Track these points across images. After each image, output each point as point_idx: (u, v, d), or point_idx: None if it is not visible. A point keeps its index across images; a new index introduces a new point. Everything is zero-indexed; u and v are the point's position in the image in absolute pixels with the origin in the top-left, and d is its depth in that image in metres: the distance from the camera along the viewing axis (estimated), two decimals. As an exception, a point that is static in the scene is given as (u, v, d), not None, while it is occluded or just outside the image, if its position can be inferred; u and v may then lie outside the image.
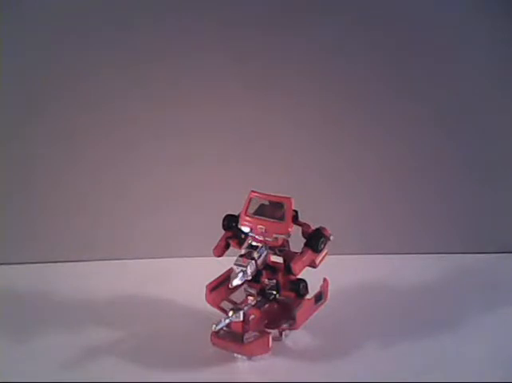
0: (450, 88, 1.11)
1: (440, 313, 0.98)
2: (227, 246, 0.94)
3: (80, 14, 1.08)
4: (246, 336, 0.88)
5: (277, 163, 1.13)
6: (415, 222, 1.14)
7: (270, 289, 0.91)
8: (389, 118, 1.12)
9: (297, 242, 0.91)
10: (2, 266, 1.12)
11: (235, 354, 0.89)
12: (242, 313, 0.87)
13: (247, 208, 0.92)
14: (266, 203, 0.92)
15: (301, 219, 0.91)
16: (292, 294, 0.91)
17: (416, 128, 1.12)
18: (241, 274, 0.88)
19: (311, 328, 0.93)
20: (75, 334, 0.94)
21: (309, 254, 0.90)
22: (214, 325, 0.87)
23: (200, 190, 1.13)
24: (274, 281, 0.91)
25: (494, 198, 1.14)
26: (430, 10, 1.09)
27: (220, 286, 0.93)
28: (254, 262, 0.89)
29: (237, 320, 0.87)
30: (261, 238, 0.91)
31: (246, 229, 0.91)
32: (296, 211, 0.90)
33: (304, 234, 0.91)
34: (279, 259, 0.92)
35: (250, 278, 0.89)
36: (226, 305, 0.93)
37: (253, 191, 0.92)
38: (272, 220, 0.90)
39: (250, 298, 0.90)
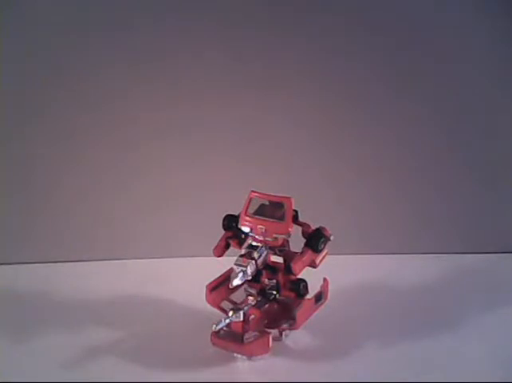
0: (450, 88, 1.11)
1: (440, 313, 0.98)
2: (227, 246, 0.94)
3: (80, 14, 1.08)
4: (246, 336, 0.88)
5: (277, 163, 1.13)
6: (415, 222, 1.14)
7: (270, 289, 0.91)
8: (389, 118, 1.12)
9: (297, 242, 0.91)
10: (2, 266, 1.12)
11: (235, 354, 0.89)
12: (242, 313, 0.87)
13: (247, 208, 0.92)
14: (266, 203, 0.92)
15: (301, 219, 0.91)
16: (292, 294, 0.91)
17: (416, 128, 1.13)
18: (241, 274, 0.88)
19: (311, 328, 0.93)
20: (75, 334, 0.94)
21: (309, 254, 0.90)
22: (214, 325, 0.87)
23: (200, 190, 1.13)
24: (274, 281, 0.91)
25: (494, 198, 1.14)
26: (430, 10, 1.09)
27: (220, 286, 0.93)
28: (254, 262, 0.89)
29: (237, 320, 0.87)
30: (261, 238, 0.90)
31: (246, 229, 0.91)
32: (296, 211, 0.90)
33: (304, 234, 0.91)
34: (279, 259, 0.92)
35: (250, 278, 0.89)
36: (226, 305, 0.93)
37: (253, 191, 0.92)
38: (272, 220, 0.90)
39: (250, 298, 0.90)
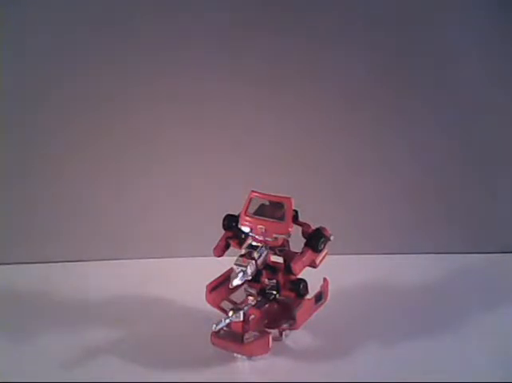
0: (450, 88, 1.11)
1: (440, 313, 0.98)
2: (227, 246, 0.94)
3: (80, 14, 1.08)
4: (246, 336, 0.88)
5: (277, 163, 1.13)
6: (415, 222, 1.14)
7: (270, 289, 0.91)
8: (389, 118, 1.12)
9: (297, 242, 0.91)
10: (2, 266, 1.12)
11: (235, 354, 0.89)
12: (242, 313, 0.87)
13: (247, 208, 0.92)
14: (266, 203, 0.92)
15: (301, 219, 0.91)
16: (292, 294, 0.91)
17: (416, 129, 1.13)
18: (241, 274, 0.88)
19: (311, 328, 0.93)
20: (75, 334, 0.94)
21: (309, 254, 0.90)
22: (214, 325, 0.87)
23: (200, 190, 1.13)
24: (274, 281, 0.91)
25: (494, 198, 1.14)
26: (430, 10, 1.09)
27: (220, 286, 0.93)
28: (254, 262, 0.89)
29: (237, 320, 0.87)
30: (261, 238, 0.91)
31: (246, 229, 0.91)
32: (296, 211, 0.90)
33: (304, 234, 0.91)
34: (279, 259, 0.92)
35: (250, 278, 0.89)
36: (226, 305, 0.93)
37: (253, 191, 0.92)
38: (272, 220, 0.90)
39: (250, 298, 0.90)
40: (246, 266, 0.88)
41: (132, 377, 0.86)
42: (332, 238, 0.91)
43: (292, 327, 0.90)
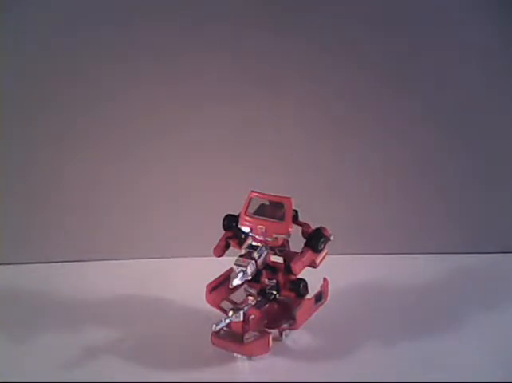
0: (451, 88, 1.11)
1: (440, 313, 0.98)
2: (227, 246, 0.94)
3: (80, 14, 1.08)
4: (246, 336, 0.88)
5: (277, 163, 1.13)
6: (416, 222, 1.14)
7: (270, 289, 0.91)
8: (390, 118, 1.12)
9: (297, 242, 0.91)
10: (2, 266, 1.12)
11: (235, 354, 0.89)
12: (242, 313, 0.87)
13: (247, 208, 0.92)
14: (266, 203, 0.92)
15: (301, 219, 0.91)
16: (292, 294, 0.91)
17: (417, 128, 1.12)
18: (241, 274, 0.88)
19: (311, 328, 0.93)
20: (75, 334, 0.94)
21: (309, 254, 0.90)
22: (214, 325, 0.87)
23: (200, 190, 1.13)
24: (274, 281, 0.91)
25: (494, 198, 1.14)
26: (430, 10, 1.09)
27: (220, 286, 0.93)
28: (254, 262, 0.89)
29: (237, 320, 0.87)
30: (261, 238, 0.91)
31: (246, 229, 0.91)
32: (296, 211, 0.90)
33: (304, 234, 0.91)
34: (279, 259, 0.92)
35: (250, 278, 0.89)
36: (226, 305, 0.93)
37: (253, 191, 0.93)
38: (272, 220, 0.90)
39: (250, 298, 0.90)
40: (246, 266, 0.88)
41: (132, 377, 0.86)
42: (332, 238, 0.91)
43: (292, 327, 0.90)
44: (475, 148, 1.13)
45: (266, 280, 0.91)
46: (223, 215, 0.95)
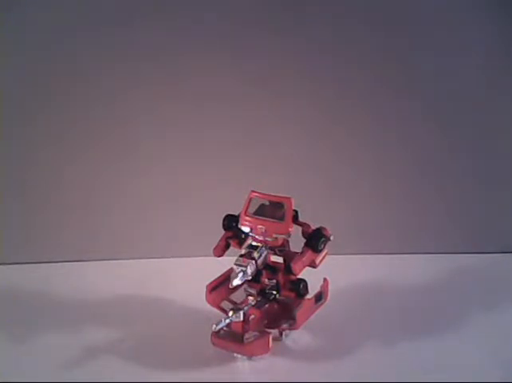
0: (451, 88, 1.11)
1: (440, 313, 0.98)
2: (227, 246, 0.94)
3: (80, 14, 1.08)
4: (246, 336, 0.88)
5: (277, 163, 1.13)
6: (415, 222, 1.14)
7: (270, 289, 0.91)
8: (389, 118, 1.12)
9: (297, 242, 0.91)
10: (2, 266, 1.12)
11: (235, 354, 0.89)
12: (242, 313, 0.87)
13: (247, 208, 0.92)
14: (266, 203, 0.92)
15: (301, 219, 0.91)
16: (292, 294, 0.91)
17: (417, 128, 1.13)
18: (241, 274, 0.88)
19: (311, 328, 0.93)
20: (75, 334, 0.94)
21: (309, 254, 0.90)
22: (214, 325, 0.87)
23: (200, 190, 1.13)
24: (274, 281, 0.91)
25: (494, 198, 1.14)
26: (430, 10, 1.09)
27: (220, 286, 0.93)
28: (254, 262, 0.89)
29: (237, 320, 0.87)
30: (261, 238, 0.91)
31: (246, 229, 0.91)
32: (296, 211, 0.90)
33: (304, 234, 0.91)
34: (279, 259, 0.92)
35: (250, 278, 0.89)
36: (226, 305, 0.93)
37: (253, 191, 0.93)
38: (272, 220, 0.90)
39: (250, 298, 0.90)
40: (246, 266, 0.88)
41: (132, 377, 0.86)
42: (332, 238, 0.91)
43: (292, 327, 0.90)
44: (475, 148, 1.13)
45: (266, 280, 0.91)
46: (223, 215, 0.95)
